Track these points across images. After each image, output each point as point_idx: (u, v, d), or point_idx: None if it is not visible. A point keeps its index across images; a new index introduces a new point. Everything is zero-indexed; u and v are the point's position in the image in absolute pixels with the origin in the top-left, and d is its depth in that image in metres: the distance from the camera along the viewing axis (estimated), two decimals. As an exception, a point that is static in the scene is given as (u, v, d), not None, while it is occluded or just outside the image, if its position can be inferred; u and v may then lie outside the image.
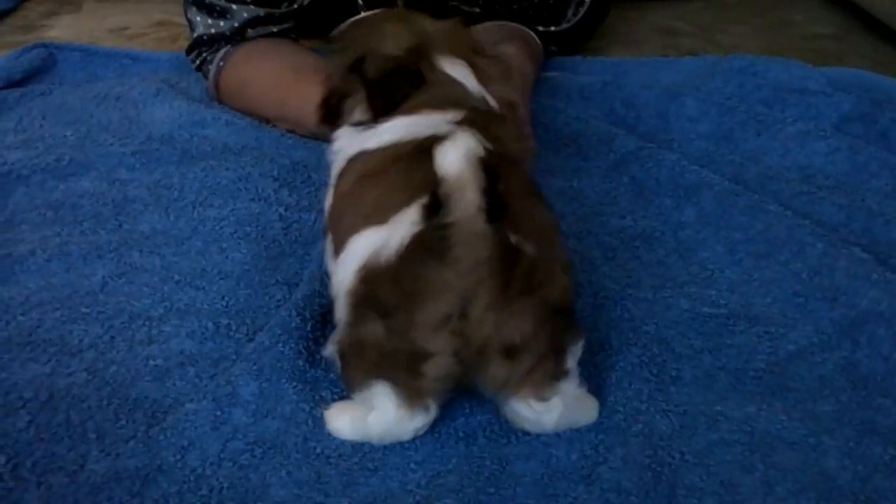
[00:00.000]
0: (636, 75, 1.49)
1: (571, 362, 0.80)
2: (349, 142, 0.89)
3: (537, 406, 0.80)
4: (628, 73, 1.50)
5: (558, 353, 0.79)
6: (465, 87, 0.88)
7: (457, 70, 0.89)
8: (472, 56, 0.91)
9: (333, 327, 0.84)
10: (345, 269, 0.80)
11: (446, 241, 0.73)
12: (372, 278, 0.77)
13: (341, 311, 0.81)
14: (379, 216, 0.78)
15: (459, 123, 0.82)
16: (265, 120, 1.32)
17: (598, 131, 1.29)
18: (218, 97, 1.39)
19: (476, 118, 0.84)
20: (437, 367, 0.77)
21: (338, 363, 0.82)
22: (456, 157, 0.72)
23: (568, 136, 1.29)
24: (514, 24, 1.42)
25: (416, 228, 0.75)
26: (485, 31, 1.41)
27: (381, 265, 0.76)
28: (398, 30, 0.91)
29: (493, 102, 0.89)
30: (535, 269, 0.76)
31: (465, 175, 0.72)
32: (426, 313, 0.75)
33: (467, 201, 0.72)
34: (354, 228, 0.80)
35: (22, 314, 0.96)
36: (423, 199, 0.75)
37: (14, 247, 1.06)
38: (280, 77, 1.31)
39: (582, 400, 0.83)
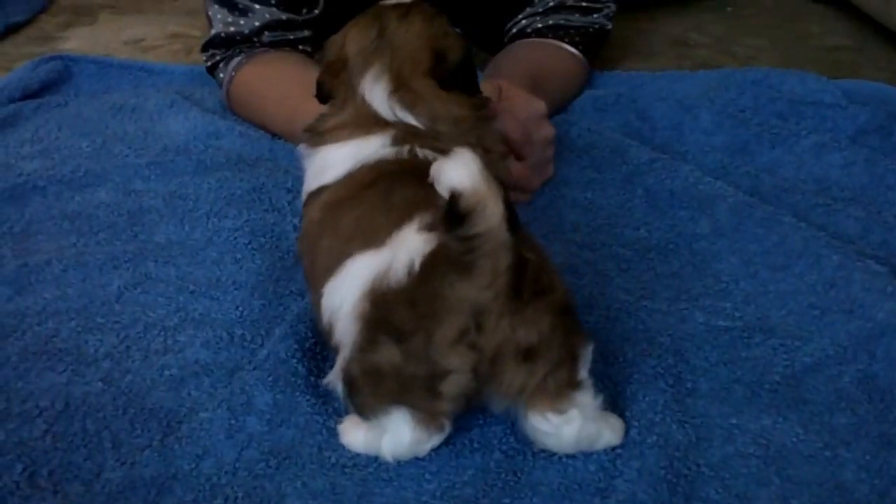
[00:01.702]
0: (650, 87, 1.49)
1: (584, 372, 0.80)
2: (306, 170, 0.93)
3: (555, 419, 0.79)
4: (643, 85, 1.50)
5: (571, 358, 0.78)
6: (377, 112, 0.89)
7: (373, 92, 0.90)
8: (414, 75, 0.90)
9: (333, 352, 0.82)
10: (342, 295, 0.79)
11: (473, 253, 0.72)
12: (383, 302, 0.76)
13: (346, 336, 0.79)
14: (368, 239, 0.79)
15: (398, 142, 0.86)
16: (274, 134, 1.32)
17: (612, 143, 1.29)
18: (230, 106, 1.39)
19: (410, 135, 0.87)
20: (455, 385, 0.77)
21: (342, 390, 0.80)
22: (467, 170, 0.70)
23: (581, 148, 1.28)
24: (556, 43, 1.43)
25: (429, 246, 0.75)
26: (521, 47, 1.42)
27: (391, 288, 0.76)
28: (357, 34, 0.92)
29: (416, 122, 0.89)
30: (540, 274, 0.77)
31: (483, 187, 0.70)
32: (444, 330, 0.75)
33: (491, 212, 0.70)
34: (343, 253, 0.80)
35: (38, 324, 0.97)
36: (424, 218, 0.76)
37: (30, 257, 1.07)
38: (288, 93, 1.30)
39: (604, 418, 0.82)
